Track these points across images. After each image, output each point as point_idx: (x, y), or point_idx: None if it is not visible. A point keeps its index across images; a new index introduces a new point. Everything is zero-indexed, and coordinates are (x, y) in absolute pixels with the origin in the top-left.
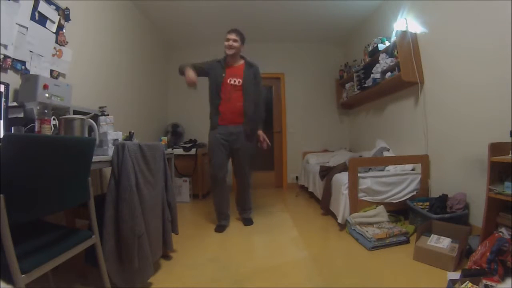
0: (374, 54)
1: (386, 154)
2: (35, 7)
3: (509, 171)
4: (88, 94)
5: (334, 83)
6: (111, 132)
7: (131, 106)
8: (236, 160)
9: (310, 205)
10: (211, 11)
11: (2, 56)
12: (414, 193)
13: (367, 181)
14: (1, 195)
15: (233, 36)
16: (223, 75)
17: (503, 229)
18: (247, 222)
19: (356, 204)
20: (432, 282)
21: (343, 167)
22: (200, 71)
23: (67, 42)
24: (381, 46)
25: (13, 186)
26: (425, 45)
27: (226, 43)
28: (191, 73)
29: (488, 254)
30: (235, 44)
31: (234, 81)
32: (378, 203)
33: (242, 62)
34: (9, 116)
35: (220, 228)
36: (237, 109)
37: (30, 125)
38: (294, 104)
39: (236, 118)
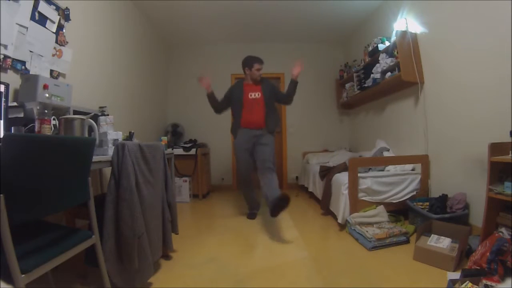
0: (374, 54)
1: (386, 154)
2: (35, 7)
3: (509, 171)
4: (88, 94)
5: (334, 83)
6: (111, 132)
7: (131, 106)
8: (259, 155)
9: (310, 205)
10: (211, 11)
11: (2, 56)
12: (414, 193)
13: (367, 181)
14: (1, 195)
15: (260, 66)
16: (244, 90)
17: (503, 229)
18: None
19: (356, 204)
20: (432, 282)
21: (343, 167)
22: (226, 100)
23: (67, 42)
24: (381, 46)
25: (13, 186)
26: (425, 45)
27: (256, 72)
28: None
29: (488, 254)
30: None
31: (254, 94)
32: (378, 203)
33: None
34: (9, 116)
35: (252, 216)
36: (258, 118)
37: (30, 125)
38: (294, 104)
39: (258, 125)
